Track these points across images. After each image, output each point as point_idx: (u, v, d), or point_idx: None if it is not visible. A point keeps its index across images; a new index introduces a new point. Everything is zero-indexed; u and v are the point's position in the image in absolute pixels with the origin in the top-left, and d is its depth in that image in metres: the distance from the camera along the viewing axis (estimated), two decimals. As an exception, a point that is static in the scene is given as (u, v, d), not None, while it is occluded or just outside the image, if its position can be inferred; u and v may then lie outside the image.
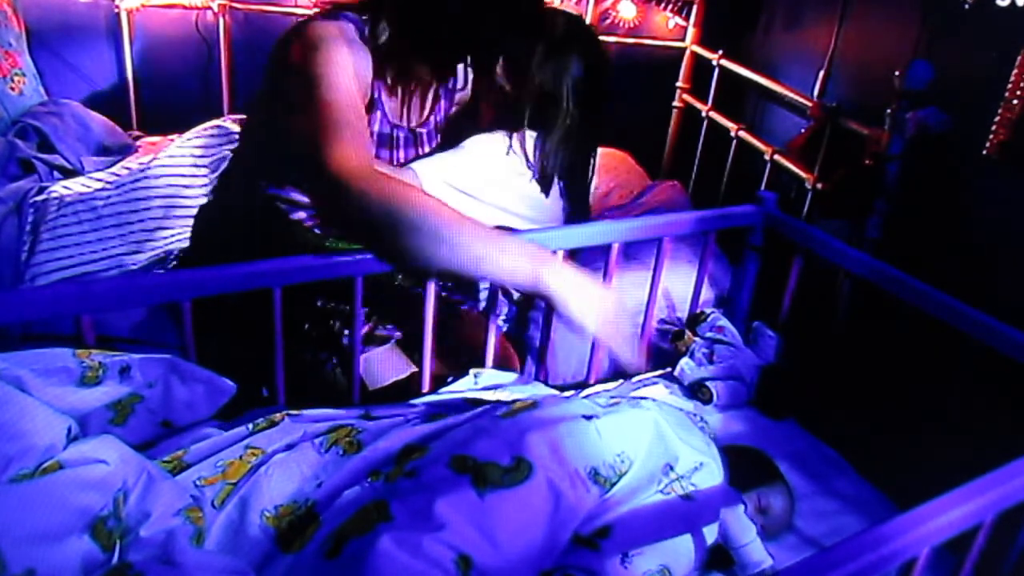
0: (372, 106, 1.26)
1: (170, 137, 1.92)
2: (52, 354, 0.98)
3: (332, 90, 1.11)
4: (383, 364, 1.43)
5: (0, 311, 0.99)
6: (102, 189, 1.59)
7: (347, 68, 1.16)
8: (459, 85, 1.50)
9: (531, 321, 1.64)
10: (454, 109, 1.54)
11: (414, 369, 1.44)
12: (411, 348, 1.45)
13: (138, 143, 2.01)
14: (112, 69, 2.16)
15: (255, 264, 1.14)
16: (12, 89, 1.96)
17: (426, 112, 1.42)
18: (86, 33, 2.12)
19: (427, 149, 1.42)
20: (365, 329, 1.38)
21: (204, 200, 1.57)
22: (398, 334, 1.47)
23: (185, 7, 2.14)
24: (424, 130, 1.41)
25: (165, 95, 2.22)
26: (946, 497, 0.81)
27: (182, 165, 1.65)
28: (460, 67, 1.48)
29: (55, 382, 0.96)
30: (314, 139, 1.06)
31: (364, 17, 1.24)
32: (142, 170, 1.63)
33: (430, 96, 1.41)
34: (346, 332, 1.37)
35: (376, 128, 1.29)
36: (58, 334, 1.25)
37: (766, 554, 1.08)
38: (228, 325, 1.21)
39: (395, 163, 1.36)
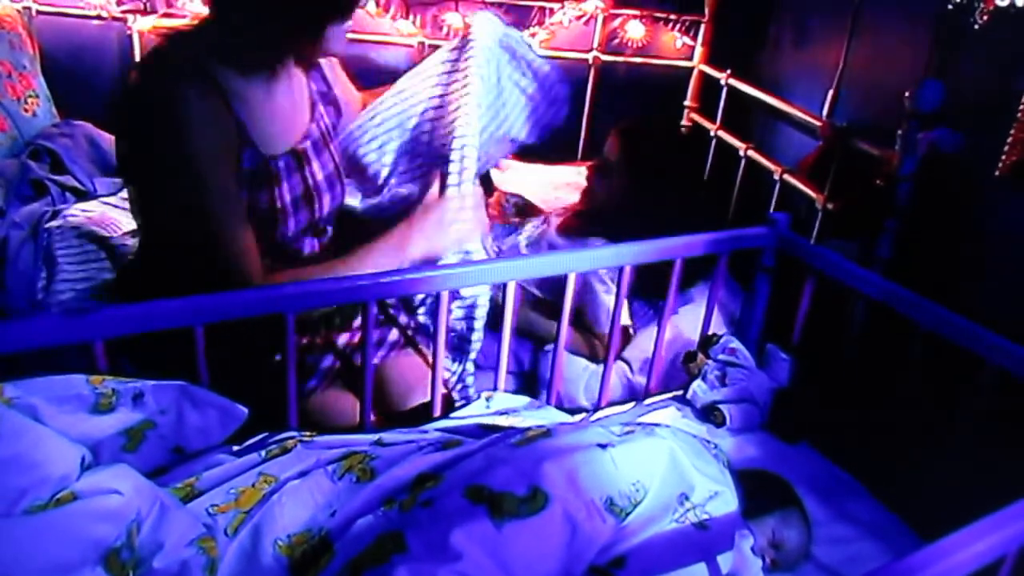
0: (244, 143, 1.16)
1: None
2: (65, 381, 0.99)
3: (218, 221, 1.15)
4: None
5: (16, 338, 0.99)
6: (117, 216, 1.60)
7: (216, 166, 1.12)
8: (327, 86, 1.38)
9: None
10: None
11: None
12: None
13: (149, 164, 2.02)
14: (124, 90, 2.17)
15: (269, 289, 1.14)
16: (26, 111, 1.98)
17: (305, 124, 1.29)
18: (98, 55, 2.14)
19: (316, 167, 1.28)
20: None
21: None
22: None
23: (197, 29, 2.16)
24: (307, 144, 1.27)
25: (176, 116, 2.23)
26: (969, 529, 0.79)
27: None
28: (326, 64, 1.38)
29: (68, 409, 0.96)
30: (214, 261, 1.17)
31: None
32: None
33: (305, 104, 1.31)
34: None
35: (247, 166, 1.17)
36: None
37: None
38: (229, 349, 1.19)
39: (282, 199, 1.22)
